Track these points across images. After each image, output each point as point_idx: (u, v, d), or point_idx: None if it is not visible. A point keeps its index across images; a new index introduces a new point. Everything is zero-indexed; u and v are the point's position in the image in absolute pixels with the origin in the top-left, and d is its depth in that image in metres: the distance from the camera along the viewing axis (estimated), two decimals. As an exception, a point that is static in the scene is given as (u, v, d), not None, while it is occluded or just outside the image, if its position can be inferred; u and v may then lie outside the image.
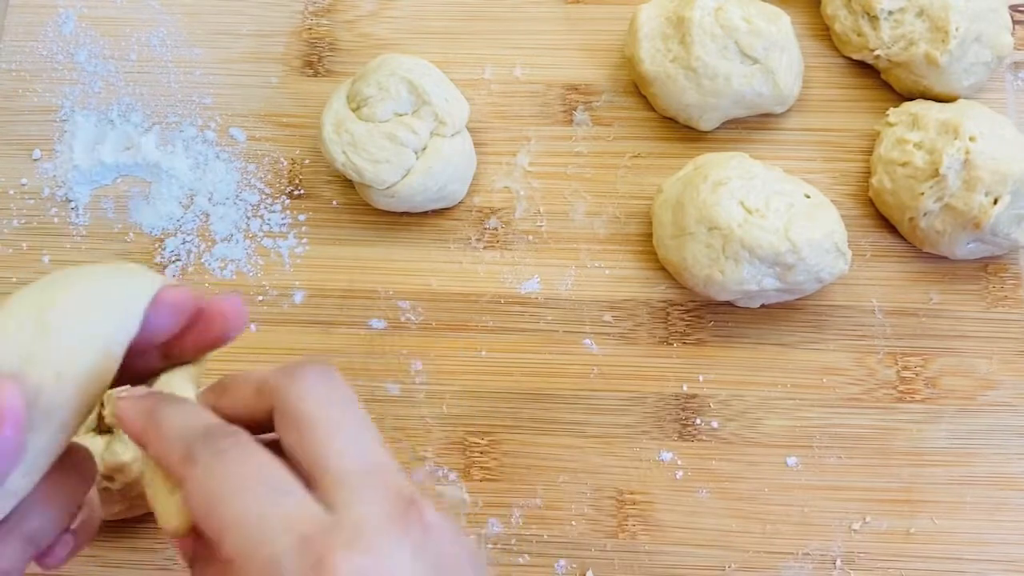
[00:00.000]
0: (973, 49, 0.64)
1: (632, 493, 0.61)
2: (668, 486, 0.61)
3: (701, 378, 0.63)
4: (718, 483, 0.61)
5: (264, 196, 0.68)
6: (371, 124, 0.63)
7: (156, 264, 0.66)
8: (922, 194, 0.61)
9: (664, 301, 0.65)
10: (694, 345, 0.64)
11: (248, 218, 0.67)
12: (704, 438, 0.62)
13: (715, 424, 0.62)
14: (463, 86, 0.67)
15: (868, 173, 0.66)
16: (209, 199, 0.67)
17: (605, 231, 0.66)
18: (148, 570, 0.60)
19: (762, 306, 0.63)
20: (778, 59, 0.64)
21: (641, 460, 0.61)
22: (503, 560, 0.60)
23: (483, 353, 0.64)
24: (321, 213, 0.67)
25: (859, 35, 0.67)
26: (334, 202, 0.68)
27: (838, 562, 0.59)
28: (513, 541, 0.60)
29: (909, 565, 0.59)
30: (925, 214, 0.62)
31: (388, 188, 0.63)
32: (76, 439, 0.37)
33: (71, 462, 0.37)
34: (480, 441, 0.62)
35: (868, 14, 0.66)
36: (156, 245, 0.67)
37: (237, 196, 0.68)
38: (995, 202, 0.60)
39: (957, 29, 0.63)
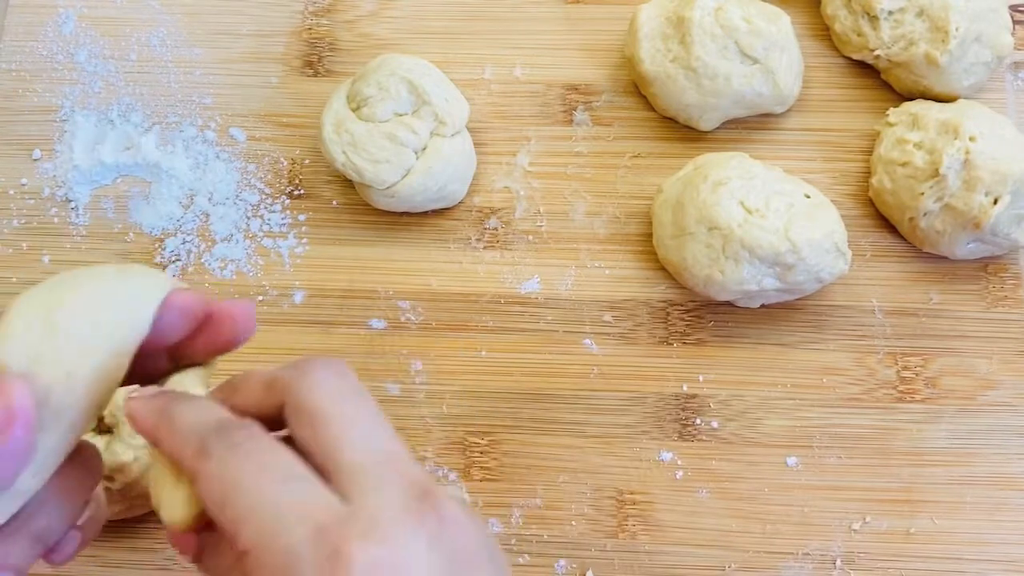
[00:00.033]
0: (973, 49, 0.64)
1: (632, 493, 0.61)
2: (668, 486, 0.61)
3: (701, 378, 0.63)
4: (718, 483, 0.61)
5: (264, 196, 0.68)
6: (371, 124, 0.63)
7: (156, 264, 0.66)
8: (922, 194, 0.61)
9: (664, 301, 0.65)
10: (694, 345, 0.64)
11: (248, 218, 0.67)
12: (704, 438, 0.62)
13: (715, 424, 0.62)
14: (463, 86, 0.67)
15: (868, 173, 0.66)
16: (209, 199, 0.67)
17: (605, 231, 0.66)
18: (148, 570, 0.60)
19: (762, 306, 0.63)
20: (778, 59, 0.64)
21: (641, 460, 0.61)
22: (503, 560, 0.60)
23: (483, 353, 0.64)
24: (321, 213, 0.67)
25: (859, 35, 0.67)
26: (334, 202, 0.68)
27: (838, 562, 0.59)
28: (513, 541, 0.60)
29: (909, 565, 0.59)
30: (925, 214, 0.62)
31: (388, 188, 0.63)
32: (75, 439, 0.37)
33: (79, 460, 0.37)
34: (480, 441, 0.62)
35: (868, 14, 0.66)
36: (156, 245, 0.67)
37: (237, 196, 0.68)
38: (995, 202, 0.60)
39: (957, 29, 0.63)
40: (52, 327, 0.34)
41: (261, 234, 0.67)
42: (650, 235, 0.65)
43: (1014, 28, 0.66)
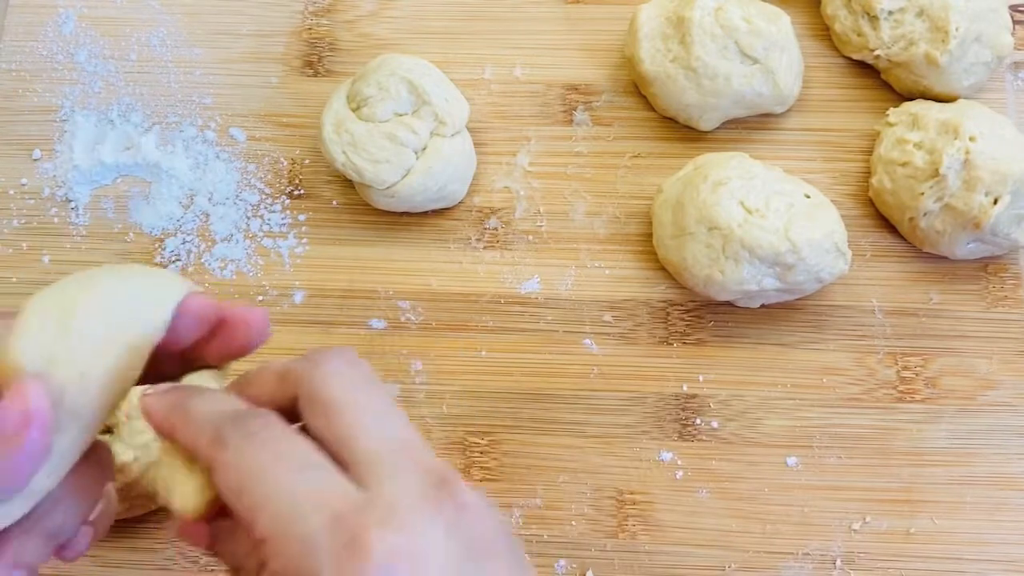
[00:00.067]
0: (973, 49, 0.64)
1: (632, 493, 0.61)
2: (668, 486, 0.61)
3: (701, 378, 0.63)
4: (718, 483, 0.61)
5: (264, 196, 0.68)
6: (371, 124, 0.63)
7: (156, 264, 0.66)
8: (922, 194, 0.61)
9: (664, 301, 0.65)
10: (694, 345, 0.64)
11: (248, 218, 0.67)
12: (704, 438, 0.62)
13: (715, 424, 0.62)
14: (463, 86, 0.67)
15: (868, 173, 0.66)
16: (209, 199, 0.67)
17: (605, 231, 0.66)
18: (148, 570, 0.60)
19: (762, 306, 0.63)
20: (778, 59, 0.64)
21: (641, 460, 0.61)
22: (503, 560, 0.60)
23: (483, 353, 0.64)
24: (321, 213, 0.67)
25: (859, 35, 0.67)
26: (334, 202, 0.68)
27: (838, 562, 0.59)
28: (513, 541, 0.60)
29: (909, 565, 0.59)
30: (925, 214, 0.62)
31: (388, 188, 0.63)
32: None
33: (93, 458, 0.37)
34: (480, 441, 0.62)
35: (868, 14, 0.66)
36: (156, 245, 0.67)
37: (237, 196, 0.68)
38: (995, 202, 0.60)
39: (957, 29, 0.63)
40: (66, 327, 0.34)
41: (261, 234, 0.67)
42: (650, 235, 0.65)
43: (1014, 28, 0.66)
